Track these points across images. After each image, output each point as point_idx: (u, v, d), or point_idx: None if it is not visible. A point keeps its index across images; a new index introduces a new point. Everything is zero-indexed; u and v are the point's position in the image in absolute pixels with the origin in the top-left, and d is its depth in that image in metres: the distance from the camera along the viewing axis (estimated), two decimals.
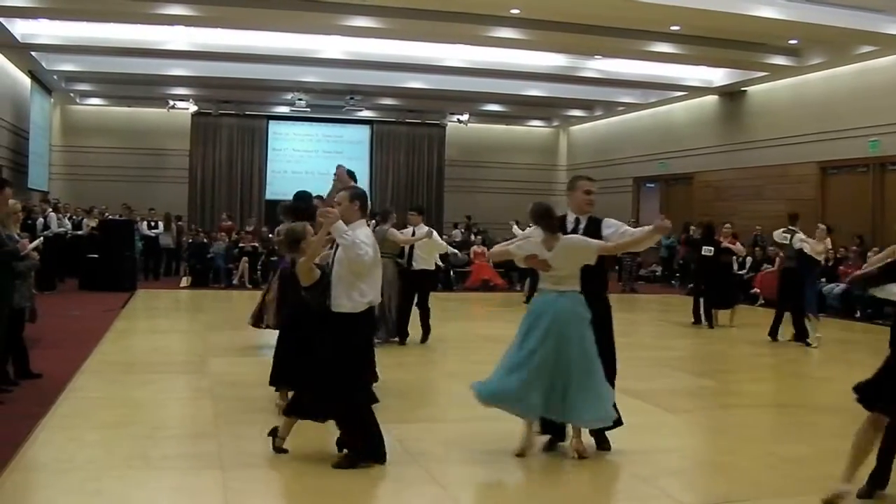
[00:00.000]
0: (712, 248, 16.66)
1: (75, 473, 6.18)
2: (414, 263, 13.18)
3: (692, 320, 16.79)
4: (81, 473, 6.17)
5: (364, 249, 6.41)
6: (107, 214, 23.58)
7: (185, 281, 22.92)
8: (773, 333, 14.71)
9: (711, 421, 8.76)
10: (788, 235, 14.70)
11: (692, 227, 22.24)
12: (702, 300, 16.77)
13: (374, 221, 11.98)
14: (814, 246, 14.47)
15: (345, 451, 6.48)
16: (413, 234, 13.12)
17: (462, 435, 7.54)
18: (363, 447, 6.42)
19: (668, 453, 7.36)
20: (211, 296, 20.75)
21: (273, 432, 6.76)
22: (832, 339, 15.55)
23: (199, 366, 10.92)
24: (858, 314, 18.43)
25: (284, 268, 8.58)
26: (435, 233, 13.64)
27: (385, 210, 13.36)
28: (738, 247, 17.18)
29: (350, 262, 6.40)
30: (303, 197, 9.52)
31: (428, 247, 13.28)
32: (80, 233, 22.03)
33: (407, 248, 13.11)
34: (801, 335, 14.43)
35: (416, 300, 13.34)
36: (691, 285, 18.74)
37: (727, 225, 17.42)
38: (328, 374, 6.43)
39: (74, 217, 23.11)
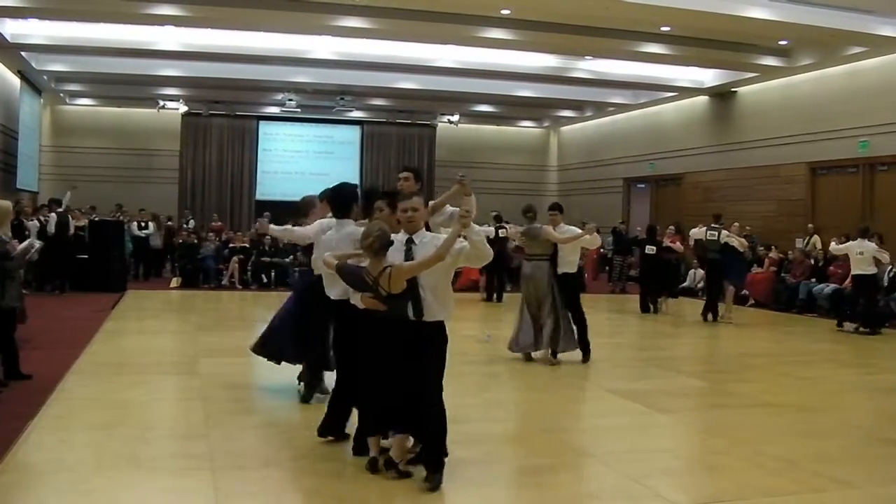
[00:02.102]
0: (654, 247, 19.33)
1: (65, 474, 6.17)
2: (558, 267, 11.67)
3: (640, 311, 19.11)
4: (72, 474, 6.16)
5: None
6: (94, 216, 23.45)
7: (175, 281, 22.86)
8: (705, 315, 17.59)
9: (701, 421, 8.77)
10: (715, 233, 17.60)
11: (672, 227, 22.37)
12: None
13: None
14: (738, 240, 17.57)
15: (427, 467, 6.12)
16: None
17: (452, 436, 7.54)
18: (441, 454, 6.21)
19: (658, 453, 7.37)
20: (201, 296, 20.70)
21: (388, 464, 6.24)
22: (822, 339, 15.61)
23: (190, 366, 10.89)
24: (849, 314, 18.44)
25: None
26: (596, 233, 12.45)
27: (530, 206, 12.05)
28: (677, 245, 19.62)
29: (468, 260, 6.15)
30: (347, 191, 7.66)
31: (574, 247, 11.93)
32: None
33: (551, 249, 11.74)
34: (715, 315, 17.55)
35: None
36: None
37: (670, 227, 20.58)
38: (433, 386, 6.09)
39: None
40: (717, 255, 17.59)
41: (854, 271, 16.31)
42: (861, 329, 16.14)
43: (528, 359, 11.61)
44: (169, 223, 25.67)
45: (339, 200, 7.43)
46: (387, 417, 6.14)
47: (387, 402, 6.07)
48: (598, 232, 12.54)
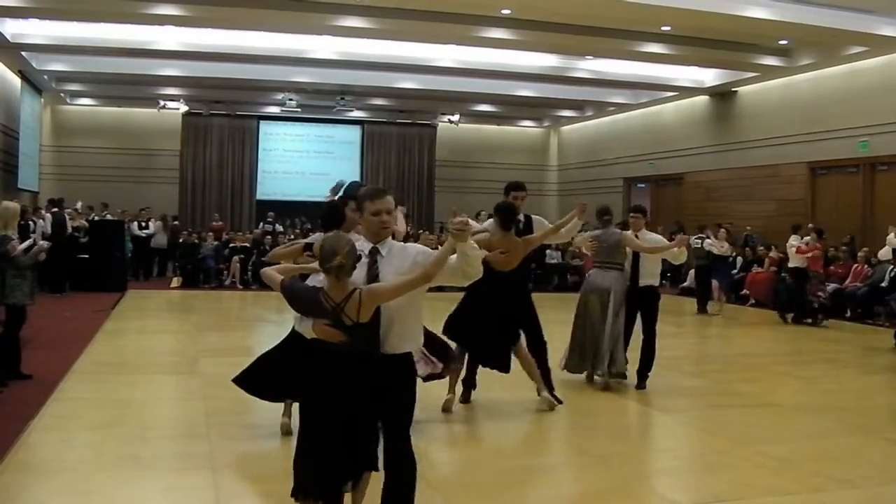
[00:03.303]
0: None
1: (66, 474, 6.17)
2: (640, 278, 10.30)
3: None
4: (72, 474, 6.17)
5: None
6: (93, 216, 23.46)
7: (175, 281, 22.88)
8: (701, 310, 19.23)
9: (703, 421, 8.78)
10: (699, 242, 19.11)
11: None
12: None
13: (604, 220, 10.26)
14: (719, 246, 19.05)
15: None
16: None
17: (452, 436, 7.54)
18: None
19: (659, 453, 7.39)
20: (201, 296, 20.70)
21: None
22: (822, 338, 15.62)
23: (190, 366, 10.90)
24: (849, 314, 18.45)
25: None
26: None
27: (606, 208, 10.48)
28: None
29: (452, 277, 4.77)
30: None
31: (656, 258, 10.48)
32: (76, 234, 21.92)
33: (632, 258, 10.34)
34: (704, 310, 19.16)
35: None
36: None
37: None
38: (403, 432, 4.86)
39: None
40: (703, 262, 19.48)
41: (790, 264, 17.91)
42: (801, 320, 17.52)
43: (590, 379, 10.27)
44: (175, 223, 25.70)
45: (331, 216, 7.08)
46: (339, 475, 4.88)
47: (339, 456, 4.78)
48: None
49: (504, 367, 8.52)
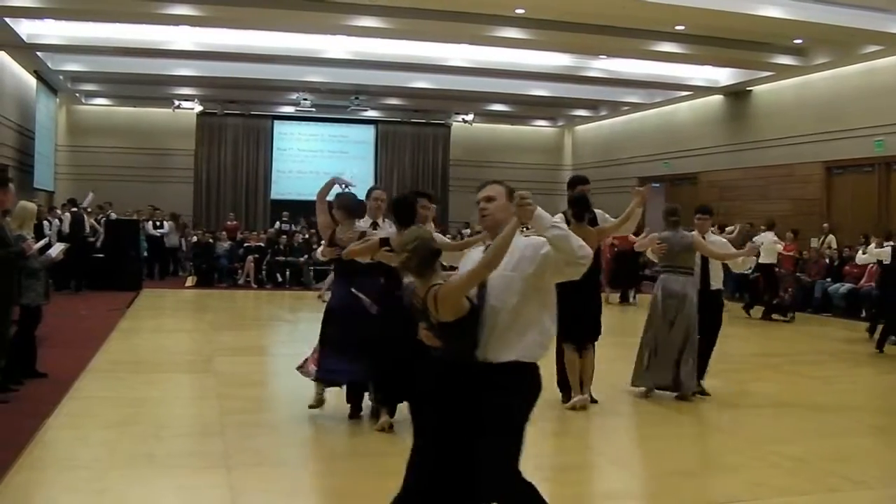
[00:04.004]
0: None
1: (81, 472, 6.20)
2: (711, 281, 9.90)
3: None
4: (87, 472, 6.19)
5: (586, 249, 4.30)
6: (101, 216, 23.46)
7: (190, 280, 22.95)
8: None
9: (716, 420, 8.75)
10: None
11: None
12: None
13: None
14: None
15: None
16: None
17: None
18: None
19: (673, 453, 7.37)
20: (216, 295, 20.76)
21: None
22: (836, 338, 15.56)
23: (205, 365, 10.93)
24: (864, 314, 18.39)
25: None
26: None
27: (675, 208, 10.07)
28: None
29: (560, 270, 4.28)
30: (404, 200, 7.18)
31: (719, 262, 10.00)
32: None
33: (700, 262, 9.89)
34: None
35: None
36: None
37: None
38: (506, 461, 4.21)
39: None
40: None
41: (762, 260, 17.83)
42: (773, 317, 18.36)
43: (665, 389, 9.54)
44: (178, 220, 25.76)
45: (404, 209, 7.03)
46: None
47: (441, 482, 4.30)
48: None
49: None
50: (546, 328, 4.37)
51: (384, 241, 6.58)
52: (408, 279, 4.63)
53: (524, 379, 4.29)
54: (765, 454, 7.20)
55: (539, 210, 4.25)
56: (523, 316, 4.26)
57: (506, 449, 4.16)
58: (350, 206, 8.01)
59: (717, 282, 9.90)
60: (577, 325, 8.32)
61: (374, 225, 8.14)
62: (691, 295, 9.38)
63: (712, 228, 10.91)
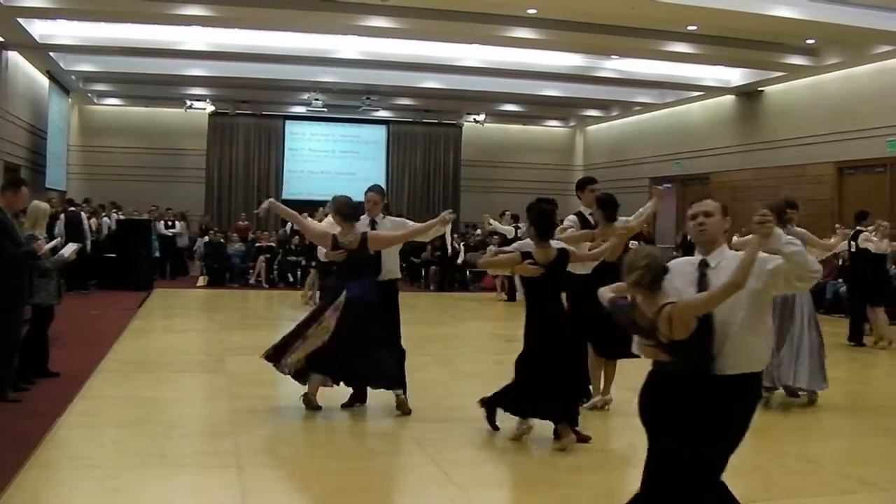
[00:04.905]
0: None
1: (92, 471, 6.21)
2: None
3: None
4: (98, 471, 6.20)
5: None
6: (104, 215, 23.49)
7: (201, 280, 23.01)
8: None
9: None
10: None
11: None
12: None
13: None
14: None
15: None
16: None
17: (474, 434, 7.54)
18: None
19: None
20: (227, 295, 20.81)
21: None
22: (846, 339, 15.50)
23: (216, 364, 10.95)
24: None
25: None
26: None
27: (791, 202, 10.27)
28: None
29: (791, 284, 4.39)
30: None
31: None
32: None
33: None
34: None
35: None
36: None
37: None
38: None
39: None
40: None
41: None
42: None
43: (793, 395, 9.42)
44: (182, 220, 25.85)
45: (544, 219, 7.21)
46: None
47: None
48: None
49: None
50: (768, 339, 4.59)
51: (525, 255, 6.97)
52: (609, 294, 4.64)
53: (753, 389, 4.55)
54: (777, 455, 7.18)
55: (776, 228, 4.34)
56: (750, 329, 4.39)
57: (712, 452, 4.40)
58: (345, 211, 8.14)
59: None
60: (609, 335, 7.98)
61: (373, 223, 8.39)
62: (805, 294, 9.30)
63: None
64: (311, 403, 8.05)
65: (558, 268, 7.13)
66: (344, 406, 8.23)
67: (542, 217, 7.20)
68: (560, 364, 7.12)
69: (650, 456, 4.44)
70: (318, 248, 9.31)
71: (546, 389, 7.07)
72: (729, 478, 6.75)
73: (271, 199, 9.06)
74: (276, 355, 8.07)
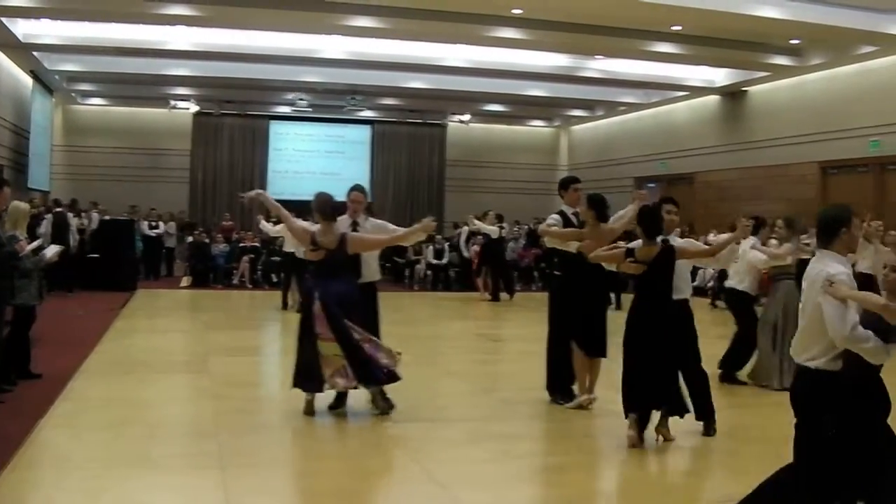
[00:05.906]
0: None
1: (75, 472, 6.19)
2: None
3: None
4: (81, 472, 6.18)
5: None
6: (84, 216, 23.36)
7: (185, 281, 22.95)
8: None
9: (722, 421, 8.72)
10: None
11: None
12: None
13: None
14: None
15: None
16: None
17: (463, 434, 7.54)
18: None
19: (677, 452, 7.35)
20: (211, 296, 20.77)
21: None
22: None
23: (200, 365, 10.92)
24: None
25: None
26: None
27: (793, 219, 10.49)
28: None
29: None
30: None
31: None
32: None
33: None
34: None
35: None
36: None
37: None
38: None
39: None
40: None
41: None
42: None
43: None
44: (164, 221, 25.78)
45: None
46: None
47: None
48: None
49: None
50: None
51: (629, 252, 7.19)
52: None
53: None
54: (773, 455, 7.16)
55: None
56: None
57: None
58: (326, 210, 8.09)
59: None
60: (592, 334, 8.48)
61: (354, 224, 8.34)
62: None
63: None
64: (311, 409, 7.99)
65: (662, 264, 7.20)
66: (331, 408, 8.20)
67: (646, 216, 7.47)
68: (658, 361, 7.24)
69: None
70: (295, 245, 9.34)
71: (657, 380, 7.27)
72: (723, 476, 6.77)
73: (261, 191, 9.08)
74: (308, 383, 7.96)
